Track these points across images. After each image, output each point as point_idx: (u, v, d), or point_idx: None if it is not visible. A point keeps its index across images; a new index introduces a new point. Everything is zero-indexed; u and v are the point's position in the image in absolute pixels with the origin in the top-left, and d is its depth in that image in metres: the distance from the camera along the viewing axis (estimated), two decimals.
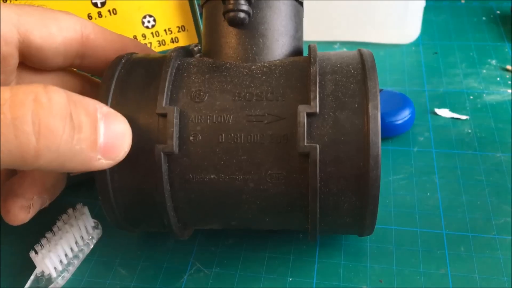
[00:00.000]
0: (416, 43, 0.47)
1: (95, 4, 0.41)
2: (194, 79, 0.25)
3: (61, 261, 0.28)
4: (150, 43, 0.42)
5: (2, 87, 0.19)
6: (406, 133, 0.37)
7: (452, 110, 0.39)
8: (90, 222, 0.30)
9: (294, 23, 0.27)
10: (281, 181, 0.23)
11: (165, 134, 0.23)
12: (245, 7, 0.25)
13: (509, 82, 0.41)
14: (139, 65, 0.26)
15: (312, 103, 0.23)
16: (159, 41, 0.42)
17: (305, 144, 0.22)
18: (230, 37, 0.26)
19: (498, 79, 0.42)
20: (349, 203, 0.24)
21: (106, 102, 0.24)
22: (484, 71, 0.43)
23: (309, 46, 0.26)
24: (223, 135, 0.23)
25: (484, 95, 0.40)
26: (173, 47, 0.33)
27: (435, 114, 0.39)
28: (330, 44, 0.48)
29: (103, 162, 0.21)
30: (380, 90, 0.38)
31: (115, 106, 0.24)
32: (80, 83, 0.29)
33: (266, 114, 0.23)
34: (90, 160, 0.21)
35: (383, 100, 0.37)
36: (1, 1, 0.23)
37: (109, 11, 0.41)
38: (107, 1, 0.41)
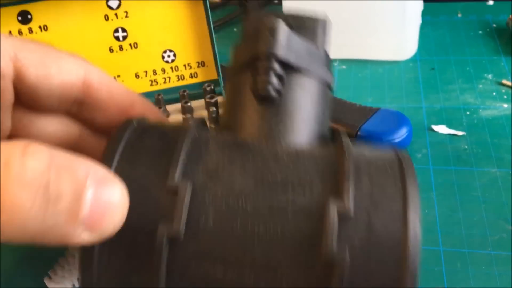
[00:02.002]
0: (413, 59, 0.48)
1: (117, 38, 0.43)
2: (212, 154, 0.22)
3: (73, 286, 0.30)
4: (169, 77, 0.44)
5: None
6: (404, 150, 0.38)
7: (449, 126, 0.40)
8: None
9: (322, 107, 0.25)
10: None
11: (173, 214, 0.20)
12: (277, 85, 0.23)
13: (505, 96, 0.42)
14: (153, 132, 0.23)
15: (345, 202, 0.20)
16: (178, 75, 0.44)
17: (334, 250, 0.19)
18: (256, 114, 0.24)
19: (494, 93, 0.43)
20: None
21: (109, 166, 0.21)
22: (481, 86, 0.44)
23: (336, 132, 0.24)
24: (239, 223, 0.20)
25: (480, 110, 0.41)
26: (191, 118, 0.34)
27: (433, 130, 0.40)
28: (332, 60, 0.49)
29: (86, 236, 0.18)
30: (378, 109, 0.39)
31: (119, 173, 0.21)
32: (81, 128, 0.27)
33: (290, 207, 0.20)
34: (67, 235, 0.17)
35: (381, 119, 0.38)
36: (1, 33, 0.23)
37: (130, 44, 0.43)
38: (128, 35, 0.42)
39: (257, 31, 0.24)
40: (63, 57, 0.24)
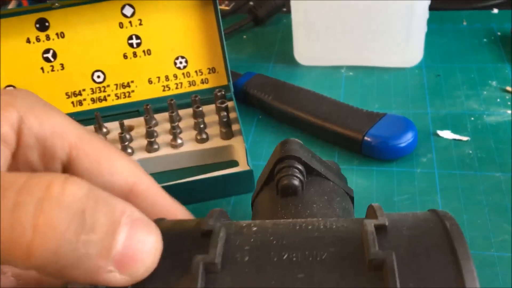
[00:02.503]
0: (419, 66, 0.49)
1: (131, 45, 0.44)
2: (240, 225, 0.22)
3: None
4: (181, 83, 0.45)
5: (22, 173, 0.17)
6: (410, 155, 0.39)
7: (454, 131, 0.41)
8: None
9: (339, 204, 0.27)
10: None
11: (208, 246, 0.20)
12: (298, 175, 0.26)
13: (509, 103, 0.43)
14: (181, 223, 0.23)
15: (379, 219, 0.20)
16: (189, 81, 0.45)
17: (379, 252, 0.19)
18: (279, 205, 0.26)
19: (498, 100, 0.44)
20: None
21: None
22: (485, 92, 0.45)
23: (370, 208, 0.23)
24: (276, 253, 0.20)
25: (485, 116, 0.42)
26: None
27: (438, 135, 0.41)
28: (337, 68, 0.50)
29: (117, 276, 0.18)
30: (384, 114, 0.40)
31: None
32: None
33: (327, 236, 0.21)
34: (98, 271, 0.17)
35: (387, 124, 0.39)
36: (68, 118, 0.23)
37: (144, 51, 0.44)
38: (142, 42, 0.44)
39: (280, 146, 0.28)
40: (118, 158, 0.23)
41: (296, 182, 0.26)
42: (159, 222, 0.22)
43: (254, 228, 0.21)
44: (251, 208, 0.30)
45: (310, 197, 0.26)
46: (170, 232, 0.22)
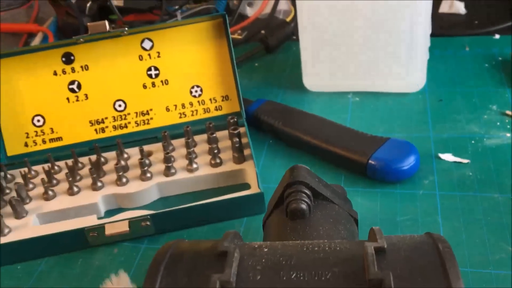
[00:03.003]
0: (422, 91, 0.51)
1: (150, 75, 0.48)
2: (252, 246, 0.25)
3: None
4: (197, 110, 0.48)
5: None
6: (412, 177, 0.41)
7: (455, 154, 0.43)
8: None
9: (343, 226, 0.30)
10: None
11: (223, 266, 0.22)
12: (306, 199, 0.29)
13: (508, 126, 0.45)
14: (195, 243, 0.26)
15: (379, 242, 0.23)
16: (204, 108, 0.48)
17: (379, 273, 0.21)
18: (288, 228, 0.28)
19: (498, 123, 0.46)
20: None
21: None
22: (485, 116, 0.47)
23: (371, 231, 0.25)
24: (285, 273, 0.22)
25: (485, 139, 0.44)
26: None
27: (439, 158, 0.43)
28: (344, 94, 0.53)
29: None
30: (388, 139, 0.42)
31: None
32: None
33: (331, 257, 0.23)
34: None
35: (391, 148, 0.42)
36: None
37: (161, 81, 0.48)
38: (160, 73, 0.47)
39: (289, 172, 0.31)
40: None
41: (304, 206, 0.28)
42: (178, 243, 0.25)
43: (265, 249, 0.24)
44: (263, 229, 0.32)
45: (317, 220, 0.29)
46: (188, 251, 0.24)
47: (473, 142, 0.44)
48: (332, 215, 0.29)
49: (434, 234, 0.25)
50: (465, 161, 0.42)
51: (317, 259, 0.23)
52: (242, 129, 0.46)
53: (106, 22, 0.45)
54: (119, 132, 0.48)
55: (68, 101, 0.47)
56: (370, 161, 0.41)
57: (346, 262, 0.23)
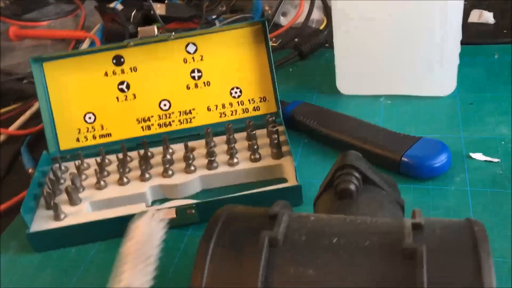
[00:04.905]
0: (453, 95, 0.53)
1: (193, 77, 0.51)
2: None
3: None
4: (236, 110, 0.51)
5: None
6: (444, 174, 0.43)
7: (485, 154, 0.45)
8: None
9: (390, 212, 0.31)
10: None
11: (273, 226, 0.25)
12: (355, 181, 0.31)
13: None
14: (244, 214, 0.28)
15: (417, 217, 0.25)
16: (243, 109, 0.51)
17: (413, 244, 0.23)
18: (336, 207, 0.31)
19: None
20: None
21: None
22: None
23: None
24: (328, 237, 0.25)
25: None
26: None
27: (470, 157, 0.44)
28: (377, 97, 0.55)
29: None
30: (420, 138, 0.44)
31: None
32: None
33: (370, 229, 0.25)
34: None
35: (423, 146, 0.44)
36: None
37: (204, 83, 0.51)
38: (203, 75, 0.51)
39: (341, 156, 0.33)
40: None
41: (352, 186, 0.31)
42: (234, 207, 0.28)
43: (312, 218, 0.27)
44: (314, 210, 0.34)
45: (363, 200, 0.31)
46: (242, 213, 0.28)
47: (502, 143, 0.46)
48: (378, 199, 0.31)
49: (472, 218, 0.27)
50: (496, 160, 0.44)
51: (357, 229, 0.25)
52: (279, 128, 0.48)
53: (155, 27, 0.49)
54: (164, 129, 0.51)
55: (118, 100, 0.51)
56: (403, 158, 0.43)
57: (384, 234, 0.25)
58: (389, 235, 0.25)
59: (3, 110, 0.64)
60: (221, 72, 0.51)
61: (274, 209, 0.26)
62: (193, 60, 0.51)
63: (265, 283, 0.24)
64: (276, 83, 0.50)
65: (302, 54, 0.65)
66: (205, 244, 0.25)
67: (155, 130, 0.51)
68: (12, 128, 0.60)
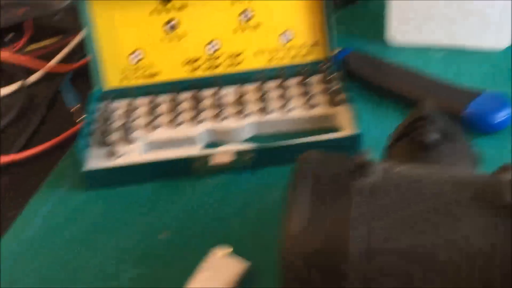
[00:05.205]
0: (509, 49, 0.51)
1: (243, 19, 0.49)
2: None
3: None
4: (286, 55, 0.49)
5: None
6: (505, 130, 0.42)
7: None
8: None
9: (467, 165, 0.31)
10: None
11: (362, 175, 0.25)
12: (437, 135, 0.30)
13: None
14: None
15: None
16: (294, 54, 0.49)
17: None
18: (421, 156, 0.30)
19: None
20: None
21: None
22: None
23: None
24: (420, 188, 0.25)
25: None
26: None
27: None
28: (429, 48, 0.53)
29: None
30: (481, 92, 0.43)
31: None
32: None
33: (464, 182, 0.25)
34: None
35: (484, 101, 0.42)
36: None
37: (253, 26, 0.49)
38: (252, 16, 0.48)
39: (419, 107, 0.32)
40: None
41: (437, 137, 0.30)
42: (317, 152, 0.28)
43: (402, 167, 0.27)
44: (386, 155, 0.34)
45: (446, 151, 0.30)
46: (330, 160, 0.27)
47: None
48: (459, 149, 0.31)
49: None
50: None
51: (453, 181, 0.25)
52: (335, 75, 0.47)
53: None
54: (211, 72, 0.50)
55: (165, 39, 0.49)
56: (465, 112, 0.42)
57: (480, 187, 0.25)
58: (487, 189, 0.25)
59: (35, 46, 0.62)
60: (272, 14, 0.49)
61: (363, 159, 0.26)
62: (244, 0, 0.49)
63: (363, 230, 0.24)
64: (331, 28, 0.48)
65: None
66: (299, 190, 0.25)
67: (202, 72, 0.50)
68: (50, 64, 0.57)
